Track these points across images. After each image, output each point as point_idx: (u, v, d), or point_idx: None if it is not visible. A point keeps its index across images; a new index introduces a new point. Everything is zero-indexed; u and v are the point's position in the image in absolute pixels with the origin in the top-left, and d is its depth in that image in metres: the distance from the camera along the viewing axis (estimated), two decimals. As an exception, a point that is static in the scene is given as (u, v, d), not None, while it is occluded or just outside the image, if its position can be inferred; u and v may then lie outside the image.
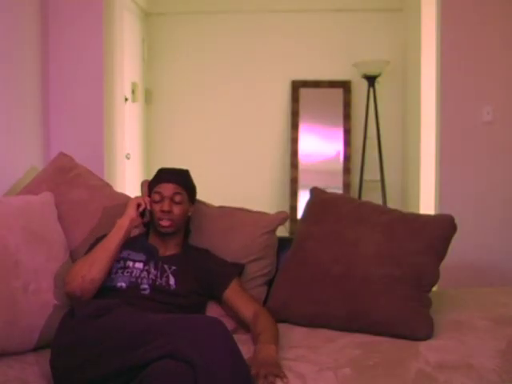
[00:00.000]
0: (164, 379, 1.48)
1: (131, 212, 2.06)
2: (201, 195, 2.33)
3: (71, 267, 2.01)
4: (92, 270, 1.93)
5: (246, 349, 1.78)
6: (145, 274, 1.99)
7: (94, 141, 3.20)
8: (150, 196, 2.13)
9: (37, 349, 1.92)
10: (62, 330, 1.79)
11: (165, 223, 2.06)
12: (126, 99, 4.53)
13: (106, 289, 1.95)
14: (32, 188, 2.38)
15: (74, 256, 2.16)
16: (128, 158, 4.50)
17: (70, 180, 2.40)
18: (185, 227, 2.17)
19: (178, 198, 2.08)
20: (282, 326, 2.03)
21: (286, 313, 2.12)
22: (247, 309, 2.01)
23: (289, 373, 1.68)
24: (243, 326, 2.03)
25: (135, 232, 2.22)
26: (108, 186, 2.50)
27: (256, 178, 5.41)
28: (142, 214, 2.10)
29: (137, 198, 2.14)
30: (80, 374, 1.64)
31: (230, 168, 5.36)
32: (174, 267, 2.02)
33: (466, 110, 3.35)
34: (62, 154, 2.56)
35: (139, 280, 1.97)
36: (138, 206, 2.09)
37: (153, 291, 1.95)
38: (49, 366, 1.74)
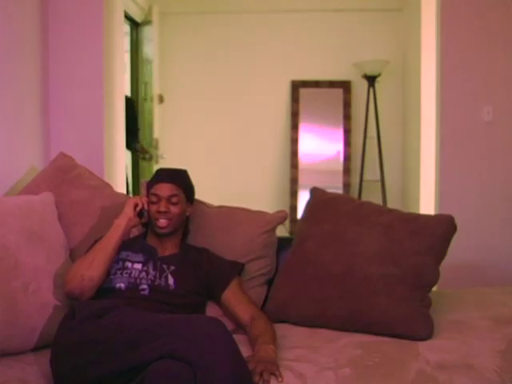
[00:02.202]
0: (164, 379, 1.48)
1: (128, 211, 2.06)
2: (201, 195, 2.32)
3: (70, 267, 2.01)
4: (91, 268, 1.93)
5: (245, 349, 1.78)
6: (144, 274, 1.99)
7: (94, 141, 3.20)
8: (148, 196, 2.12)
9: (37, 349, 1.92)
10: (62, 331, 1.79)
11: (162, 224, 2.05)
12: (161, 100, 4.58)
13: (105, 290, 1.95)
14: (32, 188, 2.38)
15: (73, 256, 2.16)
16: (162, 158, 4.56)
17: (70, 180, 2.40)
18: (183, 227, 2.17)
19: (174, 199, 2.07)
20: (282, 327, 2.03)
21: (286, 313, 2.12)
22: (245, 311, 2.00)
23: (289, 373, 1.68)
24: (242, 326, 2.03)
25: (134, 233, 2.22)
26: (108, 186, 2.51)
27: (256, 178, 5.41)
28: (140, 214, 2.09)
29: (134, 197, 2.13)
30: (80, 374, 1.64)
31: (229, 168, 5.36)
32: (172, 267, 2.02)
33: (466, 110, 3.35)
34: (62, 154, 2.56)
35: (138, 280, 1.97)
36: (136, 205, 2.08)
37: (152, 291, 1.95)
38: (49, 366, 1.74)
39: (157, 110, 4.61)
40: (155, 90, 4.57)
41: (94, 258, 1.96)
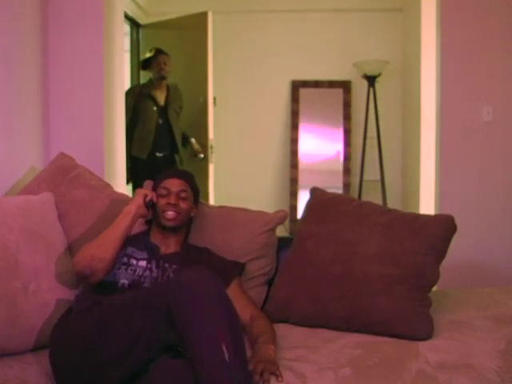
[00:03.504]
0: (166, 379, 1.49)
1: (138, 199, 2.09)
2: (200, 195, 2.33)
3: (78, 250, 2.02)
4: (101, 249, 1.95)
5: (247, 349, 1.79)
6: (147, 273, 1.99)
7: (94, 140, 3.20)
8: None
9: (37, 349, 1.92)
10: (58, 327, 1.81)
11: (170, 215, 2.06)
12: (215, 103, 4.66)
13: (108, 284, 1.96)
14: (32, 188, 2.38)
15: (73, 255, 2.15)
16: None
17: (70, 180, 2.40)
18: (187, 227, 2.18)
19: (184, 194, 2.11)
20: (282, 327, 2.03)
21: (286, 313, 2.12)
22: (245, 311, 2.00)
23: (289, 372, 1.68)
24: (242, 326, 2.02)
25: (135, 230, 2.23)
26: (108, 187, 2.51)
27: (256, 178, 5.41)
28: (148, 206, 2.10)
29: (144, 189, 2.15)
30: (79, 367, 1.65)
31: (229, 168, 5.36)
32: (174, 266, 2.03)
33: (466, 110, 3.35)
34: (62, 154, 2.56)
35: (142, 279, 1.97)
36: (145, 196, 2.10)
37: None
38: (49, 364, 1.74)
39: (211, 111, 4.60)
40: (210, 92, 4.57)
41: (104, 241, 1.97)
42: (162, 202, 2.08)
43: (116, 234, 2.00)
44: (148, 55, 4.50)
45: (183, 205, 2.09)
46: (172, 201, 2.06)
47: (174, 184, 2.10)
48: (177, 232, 2.11)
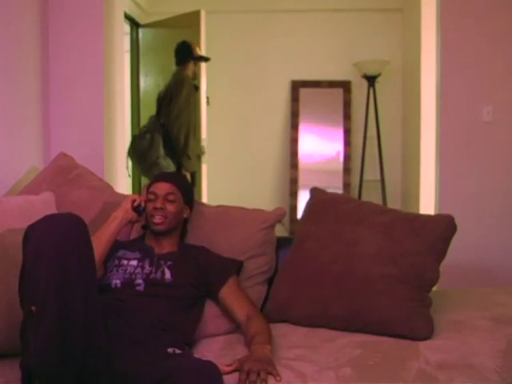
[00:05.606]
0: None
1: (125, 205, 2.10)
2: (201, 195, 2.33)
3: None
4: None
5: (242, 348, 1.80)
6: (139, 269, 1.99)
7: (94, 141, 3.20)
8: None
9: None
10: None
11: (157, 220, 2.06)
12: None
13: (101, 287, 1.95)
14: (33, 188, 2.38)
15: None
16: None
17: (71, 180, 2.40)
18: (181, 228, 2.17)
19: (171, 197, 2.09)
20: (282, 326, 2.03)
21: (286, 313, 2.12)
22: (241, 310, 1.99)
23: (290, 372, 1.68)
24: (238, 325, 2.02)
25: (134, 235, 2.23)
26: (109, 187, 2.51)
27: (256, 178, 5.41)
28: (138, 210, 2.11)
29: (133, 194, 2.16)
30: None
31: (229, 168, 5.36)
32: (170, 262, 2.03)
33: (466, 110, 3.35)
34: (62, 154, 2.56)
35: (133, 276, 1.97)
36: (133, 201, 2.11)
37: (148, 286, 1.95)
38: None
39: (204, 111, 4.59)
40: (203, 91, 4.55)
41: None
42: (150, 206, 2.09)
43: (102, 238, 2.00)
44: (202, 53, 4.41)
45: (171, 208, 2.08)
46: (158, 205, 2.06)
47: (160, 188, 2.10)
48: (169, 235, 2.11)
